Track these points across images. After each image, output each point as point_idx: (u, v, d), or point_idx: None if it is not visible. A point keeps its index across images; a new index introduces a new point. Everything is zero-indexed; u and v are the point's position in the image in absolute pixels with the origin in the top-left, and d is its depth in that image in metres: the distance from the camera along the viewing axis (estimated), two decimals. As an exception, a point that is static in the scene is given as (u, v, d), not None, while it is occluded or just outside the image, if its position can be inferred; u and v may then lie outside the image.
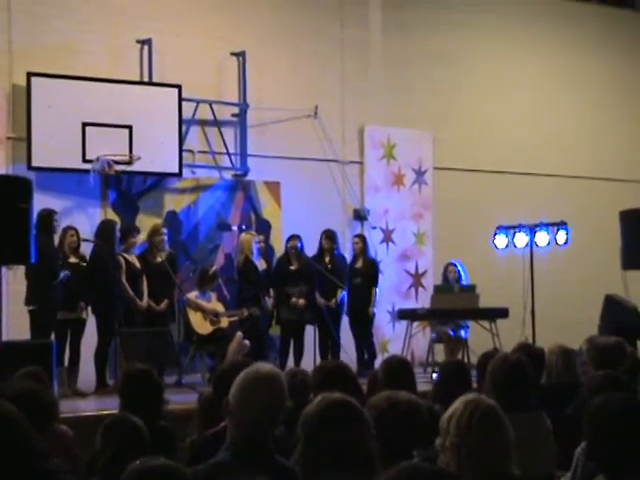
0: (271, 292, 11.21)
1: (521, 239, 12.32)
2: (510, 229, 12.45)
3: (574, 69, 15.41)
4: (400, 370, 5.21)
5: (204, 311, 10.55)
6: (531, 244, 12.27)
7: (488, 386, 4.71)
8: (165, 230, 10.64)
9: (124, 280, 10.03)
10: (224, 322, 10.65)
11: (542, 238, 12.22)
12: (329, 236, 11.63)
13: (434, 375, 10.36)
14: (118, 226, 10.35)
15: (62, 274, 9.49)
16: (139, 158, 10.97)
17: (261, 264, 11.20)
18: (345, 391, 3.06)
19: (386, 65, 13.71)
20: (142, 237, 10.60)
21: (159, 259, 10.42)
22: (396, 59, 13.74)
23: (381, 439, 2.99)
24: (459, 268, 11.94)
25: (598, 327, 11.28)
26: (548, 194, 14.55)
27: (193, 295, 10.62)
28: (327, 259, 11.54)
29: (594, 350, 6.23)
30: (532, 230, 12.28)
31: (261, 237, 11.65)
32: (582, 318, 12.27)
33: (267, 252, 11.73)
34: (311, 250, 11.56)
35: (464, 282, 11.88)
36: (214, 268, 10.95)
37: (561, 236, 12.21)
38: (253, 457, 3.25)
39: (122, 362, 9.43)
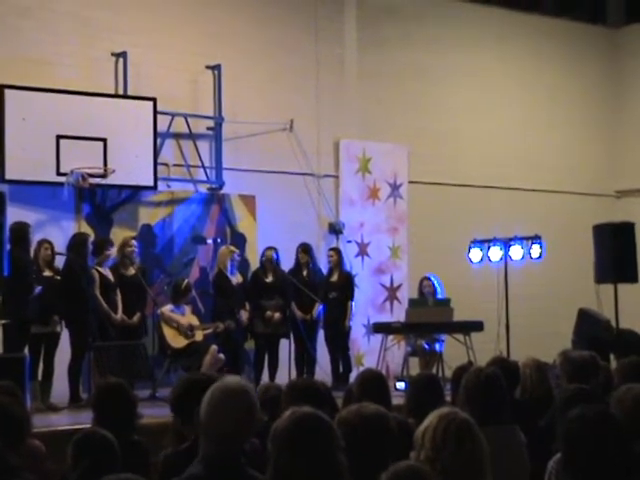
0: (247, 305, 11.19)
1: (496, 253, 12.36)
2: (485, 243, 12.49)
3: (548, 84, 15.52)
4: (375, 384, 5.20)
5: (178, 325, 10.51)
6: (505, 258, 12.31)
7: (462, 400, 4.71)
8: (135, 243, 10.61)
9: (98, 293, 9.98)
10: (199, 335, 10.61)
11: (516, 252, 12.27)
12: (305, 250, 11.64)
13: (397, 385, 10.39)
14: (91, 239, 10.30)
15: (36, 289, 9.43)
16: (114, 171, 10.92)
17: (237, 278, 11.18)
18: (318, 408, 3.05)
19: (361, 79, 13.75)
20: (115, 250, 10.56)
21: (131, 271, 10.39)
22: (371, 73, 13.78)
23: (352, 453, 2.99)
24: (434, 282, 11.96)
25: (572, 341, 11.34)
26: (523, 208, 14.63)
27: (167, 309, 10.58)
28: (304, 273, 11.54)
29: (567, 364, 6.24)
30: (506, 244, 12.33)
31: (239, 251, 11.63)
32: (556, 332, 12.36)
33: (242, 265, 11.71)
34: (286, 263, 11.55)
35: (439, 296, 11.90)
36: (186, 281, 10.92)
37: (535, 250, 12.27)
38: (225, 470, 3.25)
39: (96, 376, 9.37)
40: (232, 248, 11.39)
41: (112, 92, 11.56)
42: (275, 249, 11.40)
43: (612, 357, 10.17)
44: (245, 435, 3.33)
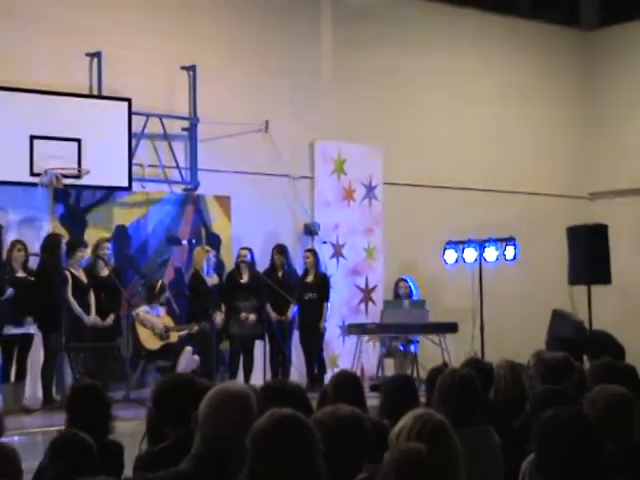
0: (222, 307, 11.17)
1: (470, 254, 12.43)
2: (459, 244, 12.55)
3: (522, 86, 15.60)
4: (349, 385, 5.20)
5: (153, 326, 10.48)
6: (480, 259, 12.37)
7: (437, 401, 4.73)
8: (109, 244, 10.57)
9: (70, 295, 9.94)
10: (173, 337, 10.59)
11: (491, 253, 12.34)
12: (281, 251, 11.65)
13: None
14: (64, 240, 10.26)
15: (7, 291, 9.38)
16: (88, 172, 10.87)
17: (213, 279, 11.16)
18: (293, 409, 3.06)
19: (337, 81, 13.76)
20: (89, 251, 10.53)
21: (105, 273, 10.36)
22: (347, 74, 13.80)
23: (327, 455, 3.00)
24: (410, 283, 12.01)
25: (545, 342, 11.43)
26: (497, 210, 14.68)
27: (142, 310, 10.55)
28: (279, 274, 11.55)
29: (541, 365, 6.27)
30: (481, 245, 12.40)
31: (215, 252, 11.61)
32: (530, 333, 12.41)
33: (217, 266, 11.69)
34: (261, 264, 11.56)
35: (415, 297, 11.94)
36: (161, 282, 10.90)
37: (510, 251, 12.34)
38: (215, 471, 3.26)
39: (69, 377, 9.33)
40: (207, 248, 11.37)
41: (86, 92, 11.50)
42: (250, 249, 11.40)
43: (585, 358, 10.23)
44: (240, 439, 3.34)
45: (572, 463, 3.18)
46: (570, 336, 11.20)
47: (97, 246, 10.52)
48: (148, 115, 11.78)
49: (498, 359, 6.41)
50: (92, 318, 10.15)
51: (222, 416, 3.31)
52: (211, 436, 3.30)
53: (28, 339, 9.68)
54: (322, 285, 11.81)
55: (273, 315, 11.40)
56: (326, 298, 11.78)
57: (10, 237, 9.88)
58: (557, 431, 3.25)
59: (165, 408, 4.18)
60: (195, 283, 11.03)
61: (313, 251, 12.18)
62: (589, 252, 11.29)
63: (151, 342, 10.45)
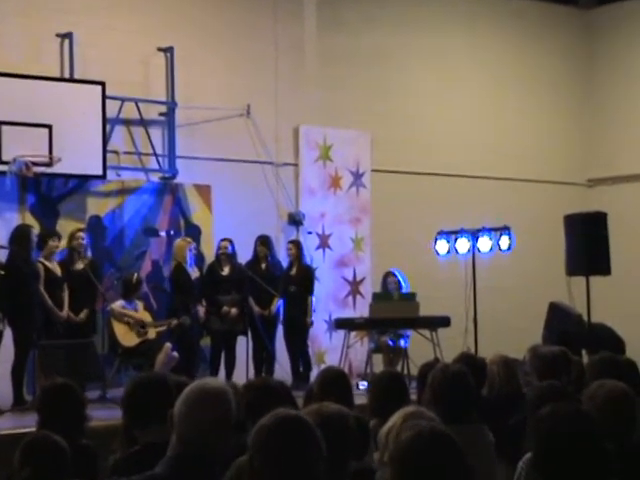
0: (203, 301, 11.16)
1: (463, 245, 12.43)
2: (451, 234, 12.55)
3: (518, 68, 15.60)
4: (336, 382, 5.21)
5: (130, 321, 10.46)
6: (473, 250, 12.38)
7: (428, 398, 4.75)
8: (84, 235, 10.54)
9: (43, 289, 9.91)
10: (151, 333, 10.57)
11: (485, 243, 12.34)
12: (264, 242, 11.63)
13: (360, 385, 10.43)
14: (35, 231, 10.22)
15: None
16: (60, 159, 10.83)
17: (195, 272, 11.15)
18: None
19: (321, 62, 13.73)
20: (64, 243, 10.49)
21: (80, 266, 10.32)
22: (332, 56, 13.77)
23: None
24: (399, 278, 12.00)
25: (542, 336, 11.45)
26: (491, 198, 14.71)
27: (118, 305, 10.52)
28: (263, 266, 11.54)
29: (537, 360, 6.30)
30: (474, 235, 12.40)
31: (195, 244, 11.59)
32: (526, 326, 12.44)
33: (197, 259, 11.67)
34: (243, 256, 11.54)
35: (404, 291, 11.95)
36: (136, 275, 10.87)
37: (504, 241, 12.34)
38: (193, 474, 3.25)
39: (41, 377, 9.30)
40: (189, 240, 11.36)
41: (57, 75, 11.45)
42: (230, 241, 11.38)
43: (584, 352, 10.26)
44: (220, 439, 3.33)
45: (572, 462, 3.19)
46: (568, 330, 11.23)
47: (70, 236, 10.49)
48: (123, 99, 11.73)
49: (492, 354, 6.44)
50: (65, 313, 10.11)
51: (199, 415, 3.29)
52: (188, 436, 3.28)
53: (-3, 336, 9.64)
54: (306, 278, 11.80)
55: (256, 309, 11.38)
56: (310, 291, 11.78)
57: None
58: (557, 428, 3.26)
59: (136, 409, 4.17)
60: (178, 276, 11.00)
61: (296, 242, 12.17)
62: (587, 241, 11.30)
63: (128, 338, 10.42)
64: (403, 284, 11.97)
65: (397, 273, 12.05)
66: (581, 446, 3.20)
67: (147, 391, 4.19)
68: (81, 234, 10.54)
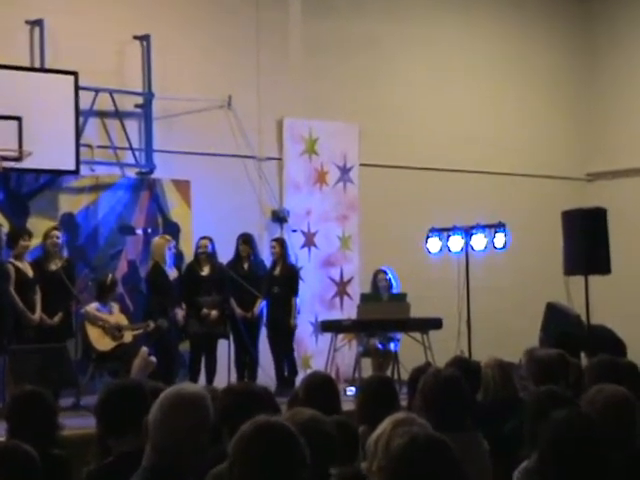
0: (183, 303, 11.14)
1: (456, 242, 12.43)
2: (444, 232, 12.55)
3: (514, 57, 15.61)
4: (322, 388, 5.21)
5: (105, 325, 10.44)
6: (467, 248, 12.38)
7: (419, 404, 4.75)
8: (59, 233, 10.50)
9: (13, 290, 9.88)
10: (127, 336, 10.55)
11: (479, 241, 12.35)
12: (246, 240, 11.62)
13: (348, 391, 10.42)
14: (4, 230, 10.18)
15: None
16: (30, 154, 10.80)
17: (174, 272, 11.13)
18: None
19: (307, 51, 13.72)
20: (35, 241, 10.45)
21: (54, 266, 10.29)
22: (318, 44, 13.76)
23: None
24: (390, 276, 12.00)
25: (539, 338, 11.47)
26: (485, 193, 14.72)
27: (92, 307, 10.50)
28: (245, 265, 11.54)
29: (534, 363, 6.30)
30: (468, 233, 12.40)
31: (175, 242, 11.57)
32: (522, 328, 12.47)
33: (176, 258, 11.65)
34: (225, 255, 11.52)
35: (395, 291, 11.95)
36: (111, 276, 10.85)
37: (499, 239, 12.35)
38: None
39: (11, 383, 9.27)
40: (167, 238, 11.33)
41: (27, 65, 11.42)
42: (210, 239, 11.36)
43: (583, 355, 10.28)
44: (197, 449, 3.32)
45: (578, 467, 3.21)
46: (566, 331, 11.24)
47: (44, 235, 10.45)
48: (97, 90, 11.71)
49: (486, 358, 6.44)
50: (38, 316, 10.08)
51: (175, 422, 3.28)
52: (163, 445, 3.27)
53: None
54: (290, 278, 11.79)
55: (238, 311, 11.37)
56: (294, 292, 11.77)
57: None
58: (564, 433, 3.27)
59: (110, 418, 4.15)
60: (155, 276, 10.98)
61: (280, 240, 12.16)
62: (586, 239, 11.32)
63: (102, 343, 10.40)
64: (394, 283, 11.97)
65: (388, 271, 12.05)
66: (588, 451, 3.21)
67: (122, 399, 4.17)
68: (56, 233, 10.50)
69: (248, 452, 2.86)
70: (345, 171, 13.93)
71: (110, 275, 10.92)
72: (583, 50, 16.34)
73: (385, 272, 12.04)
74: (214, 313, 11.16)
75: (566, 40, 16.25)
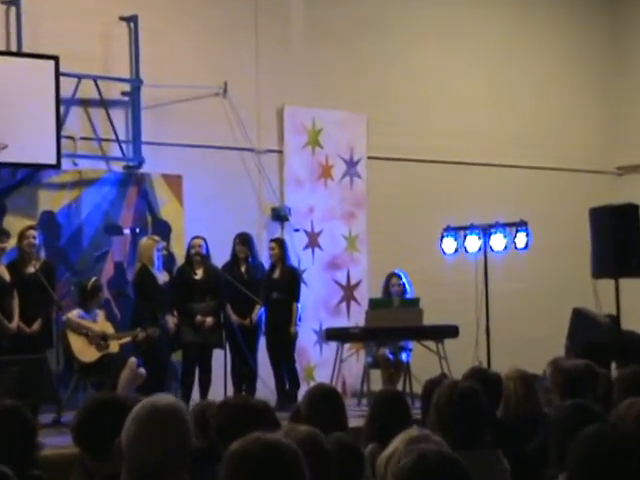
0: (174, 310, 11.14)
1: (473, 243, 12.43)
2: (460, 231, 12.55)
3: (537, 42, 15.59)
4: (327, 402, 5.20)
5: (88, 333, 10.44)
6: (485, 248, 12.38)
7: (434, 420, 4.73)
8: (35, 233, 10.50)
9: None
10: (114, 346, 10.55)
11: (498, 241, 12.35)
12: (243, 241, 11.62)
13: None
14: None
15: None
16: (6, 146, 10.82)
17: (164, 276, 11.13)
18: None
19: (310, 34, 13.73)
20: (13, 243, 10.46)
21: (32, 269, 10.29)
22: (322, 27, 13.77)
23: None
24: (404, 280, 11.98)
25: (565, 347, 11.45)
26: (505, 189, 14.72)
27: (74, 314, 10.49)
28: (242, 268, 11.53)
29: (559, 375, 6.30)
30: (486, 232, 12.40)
31: (165, 243, 11.58)
32: (546, 336, 12.46)
33: (167, 261, 11.66)
34: (220, 257, 11.52)
35: (409, 297, 11.94)
36: (94, 279, 10.83)
37: (520, 239, 12.35)
38: None
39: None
40: (156, 238, 11.33)
41: (3, 49, 11.43)
42: (203, 238, 11.35)
43: (613, 366, 10.27)
44: (175, 466, 3.30)
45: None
46: (594, 340, 11.23)
47: (20, 235, 10.45)
48: (79, 76, 11.71)
49: (507, 369, 6.42)
50: (15, 324, 10.08)
51: (150, 438, 3.25)
52: (138, 464, 3.24)
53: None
54: (291, 282, 11.78)
55: (235, 319, 11.37)
56: (295, 298, 11.76)
57: None
58: (597, 448, 3.26)
59: (89, 438, 4.13)
60: (142, 280, 10.99)
61: (279, 241, 12.15)
62: (616, 238, 11.29)
63: (86, 353, 10.39)
64: (408, 288, 11.97)
65: (402, 275, 12.04)
66: (623, 468, 3.20)
67: (102, 416, 4.14)
68: (32, 232, 10.50)
69: (238, 473, 2.84)
70: (352, 164, 13.93)
71: (94, 279, 10.90)
72: (614, 36, 16.31)
73: (399, 276, 12.04)
74: (209, 320, 11.16)
75: (592, 22, 16.22)
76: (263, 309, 11.57)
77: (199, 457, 3.48)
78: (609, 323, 11.55)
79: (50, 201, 11.63)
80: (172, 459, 3.27)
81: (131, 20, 12.29)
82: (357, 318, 13.02)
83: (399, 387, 11.31)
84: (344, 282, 13.79)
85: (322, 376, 12.23)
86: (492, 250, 12.42)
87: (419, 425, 5.31)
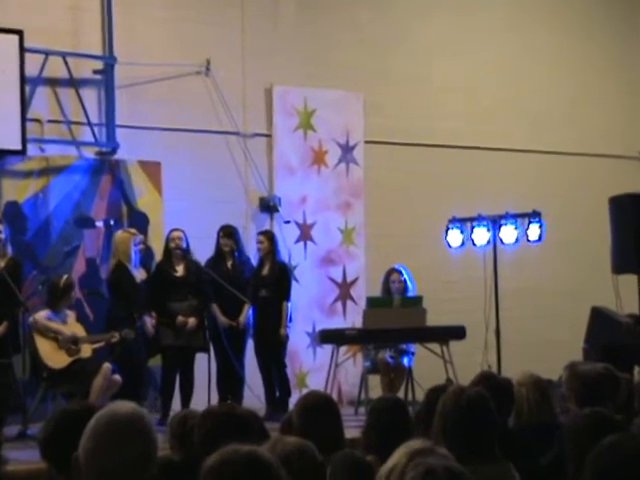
0: (152, 310, 11.15)
1: (481, 235, 12.44)
2: (467, 222, 12.56)
3: (553, 16, 15.59)
4: (321, 412, 5.19)
5: (58, 336, 10.43)
6: (494, 241, 12.40)
7: (439, 430, 4.73)
8: (1, 227, 10.51)
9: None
10: (86, 351, 10.54)
11: (509, 233, 12.36)
12: (228, 234, 11.63)
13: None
14: None
15: None
16: (-34, 130, 10.82)
17: (141, 273, 11.13)
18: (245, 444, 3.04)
19: (301, 7, 13.74)
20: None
21: (-2, 266, 10.31)
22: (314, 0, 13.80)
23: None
24: (405, 276, 11.99)
25: (583, 350, 11.45)
26: (516, 176, 14.72)
27: (42, 316, 10.48)
28: (228, 264, 11.54)
29: (576, 381, 6.30)
30: (496, 223, 12.41)
31: (142, 237, 11.57)
32: (562, 338, 12.47)
33: (145, 256, 11.65)
34: (203, 253, 11.52)
35: (410, 294, 11.95)
36: (66, 277, 10.83)
37: (533, 231, 12.37)
38: None
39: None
40: (133, 231, 11.33)
41: (-37, 23, 11.43)
42: (183, 231, 11.35)
43: (637, 371, 10.29)
44: (137, 479, 3.29)
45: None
46: (615, 342, 11.24)
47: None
48: (47, 53, 11.71)
49: (519, 374, 6.42)
50: (-23, 328, 10.10)
51: (110, 450, 3.23)
52: (98, 478, 3.23)
53: None
54: (280, 279, 11.78)
55: (221, 319, 11.37)
56: (285, 296, 11.76)
57: None
58: (619, 458, 3.27)
59: (57, 452, 4.12)
60: (118, 278, 10.98)
61: (268, 234, 12.15)
62: (639, 230, 11.33)
63: (55, 358, 10.39)
64: (410, 285, 11.98)
65: (403, 271, 12.04)
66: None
67: (72, 428, 4.12)
68: (-2, 226, 10.53)
69: None
70: (348, 150, 13.93)
71: (66, 277, 10.89)
72: (637, 11, 16.31)
73: (400, 272, 12.04)
74: (191, 321, 11.16)
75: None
76: (252, 309, 11.57)
77: (175, 470, 3.47)
78: (631, 323, 11.56)
79: (14, 191, 11.62)
80: (134, 471, 3.27)
81: (104, -9, 12.31)
82: (354, 318, 13.04)
83: (400, 394, 11.31)
84: (339, 279, 13.80)
85: (316, 382, 12.25)
86: (502, 243, 12.44)
87: (422, 436, 5.32)
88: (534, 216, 12.42)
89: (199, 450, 4.36)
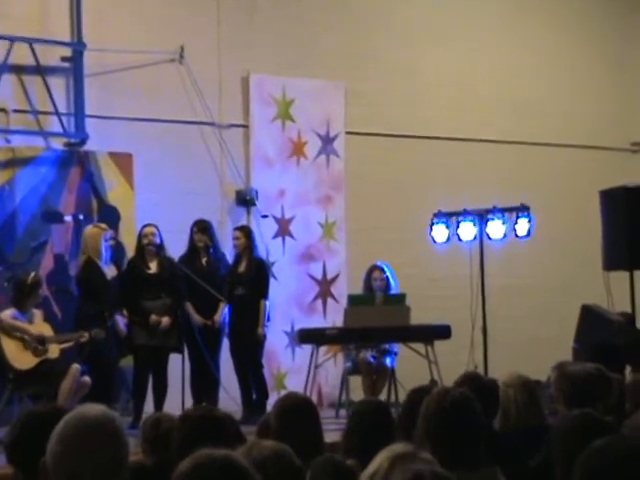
0: (124, 308, 11.14)
1: (468, 230, 12.46)
2: (452, 217, 12.58)
3: (541, 5, 15.60)
4: (299, 414, 5.20)
5: (24, 336, 10.41)
6: (481, 236, 12.41)
7: (422, 433, 4.73)
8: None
9: None
10: (53, 351, 10.52)
11: (496, 228, 12.38)
12: (203, 228, 11.62)
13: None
14: None
15: None
16: None
17: (112, 270, 11.11)
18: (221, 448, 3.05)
19: (279, -10, 13.75)
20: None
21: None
22: (293, -19, 13.79)
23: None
24: (388, 274, 12.01)
25: (572, 349, 11.48)
26: (504, 168, 14.74)
27: (8, 315, 10.46)
28: (203, 260, 11.53)
29: (565, 381, 6.31)
30: (482, 218, 12.43)
31: (113, 232, 11.55)
32: (551, 337, 12.50)
33: (116, 252, 11.64)
34: (177, 249, 11.51)
35: (394, 291, 11.96)
36: (33, 274, 10.81)
37: (522, 225, 12.39)
38: None
39: None
40: (103, 226, 11.31)
41: None
42: (155, 226, 11.34)
43: (628, 370, 10.31)
44: None
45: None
46: (606, 340, 11.27)
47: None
48: (12, 39, 11.69)
49: (506, 374, 6.44)
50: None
51: (80, 454, 3.24)
52: None
53: None
54: (258, 276, 11.78)
55: (195, 318, 11.36)
56: (263, 294, 11.76)
57: None
58: (610, 461, 3.28)
59: (24, 457, 4.12)
60: (88, 275, 10.97)
61: (245, 229, 12.15)
62: (631, 224, 11.34)
63: (22, 359, 10.37)
64: (392, 282, 11.99)
65: (386, 268, 12.06)
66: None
67: (39, 432, 4.13)
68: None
69: None
70: (328, 141, 13.93)
71: (34, 274, 10.87)
72: (629, 1, 16.35)
73: (382, 269, 12.06)
74: (165, 320, 11.15)
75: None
76: (227, 308, 11.57)
77: (148, 476, 3.47)
78: (622, 322, 11.59)
79: (-21, 183, 11.63)
80: (104, 476, 3.27)
81: (72, -26, 12.29)
82: (334, 317, 13.05)
83: (382, 396, 11.33)
84: (319, 276, 13.80)
85: (294, 384, 12.23)
86: (489, 239, 12.46)
87: (404, 440, 5.33)
88: (522, 210, 12.43)
89: (176, 455, 4.36)
